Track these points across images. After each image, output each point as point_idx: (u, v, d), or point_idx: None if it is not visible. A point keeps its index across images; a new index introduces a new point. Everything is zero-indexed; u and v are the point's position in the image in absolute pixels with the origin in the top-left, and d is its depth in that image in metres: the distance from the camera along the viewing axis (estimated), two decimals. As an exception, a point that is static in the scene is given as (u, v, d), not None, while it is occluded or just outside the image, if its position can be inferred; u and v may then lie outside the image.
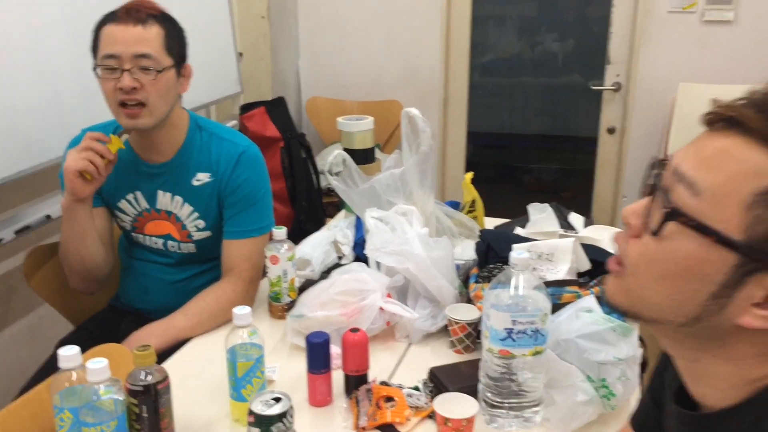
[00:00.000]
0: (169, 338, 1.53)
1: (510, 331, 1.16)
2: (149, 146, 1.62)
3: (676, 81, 3.29)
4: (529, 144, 4.14)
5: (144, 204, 1.67)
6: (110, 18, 1.51)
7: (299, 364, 1.38)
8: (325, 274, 1.71)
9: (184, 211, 1.67)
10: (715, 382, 0.69)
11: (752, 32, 3.21)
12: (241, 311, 1.21)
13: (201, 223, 1.68)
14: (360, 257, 1.76)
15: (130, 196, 1.68)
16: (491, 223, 1.99)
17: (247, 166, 1.64)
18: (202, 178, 1.64)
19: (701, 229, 0.63)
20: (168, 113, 1.57)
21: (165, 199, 1.66)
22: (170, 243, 1.70)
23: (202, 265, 1.74)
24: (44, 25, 1.96)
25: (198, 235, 1.69)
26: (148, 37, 1.50)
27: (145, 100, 1.50)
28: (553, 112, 3.95)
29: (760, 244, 0.61)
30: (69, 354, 1.06)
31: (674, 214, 0.65)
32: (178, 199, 1.66)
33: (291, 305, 1.59)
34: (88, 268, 1.66)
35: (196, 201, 1.66)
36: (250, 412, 0.99)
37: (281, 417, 0.99)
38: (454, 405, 1.16)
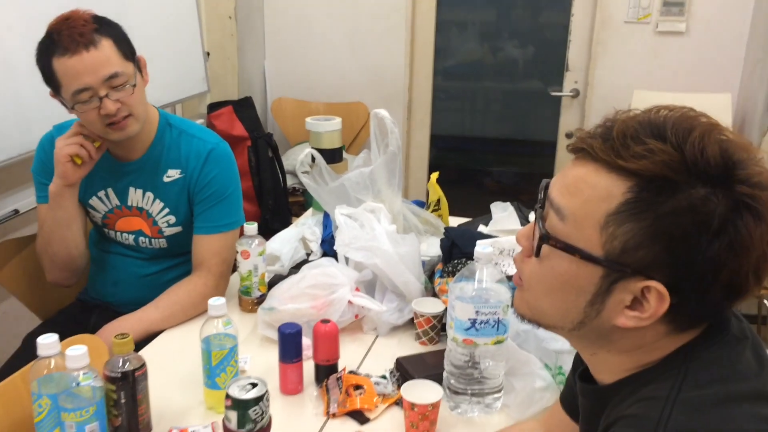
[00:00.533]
0: (140, 330, 1.55)
1: (474, 322, 1.22)
2: (122, 144, 1.63)
3: (631, 88, 3.42)
4: (490, 147, 4.23)
5: (115, 201, 1.70)
6: (56, 50, 1.46)
7: (270, 354, 1.43)
8: (294, 269, 1.76)
9: (155, 207, 1.69)
10: (610, 368, 0.81)
11: (702, 43, 3.36)
12: (216, 302, 1.25)
13: (172, 219, 1.71)
14: (328, 254, 1.81)
15: (101, 193, 1.70)
16: (456, 221, 2.06)
17: (217, 163, 1.67)
18: (172, 174, 1.67)
19: (568, 249, 0.74)
20: (146, 110, 1.61)
21: (136, 196, 1.69)
22: (141, 239, 1.73)
23: (174, 260, 1.77)
24: (3, 22, 1.95)
25: (169, 231, 1.72)
26: (107, 56, 1.48)
27: (129, 112, 1.53)
28: (514, 117, 4.05)
29: (617, 257, 0.71)
30: (48, 342, 1.09)
31: (545, 238, 0.76)
32: (149, 195, 1.68)
33: (261, 299, 1.63)
34: (72, 256, 1.68)
35: (166, 197, 1.69)
36: (228, 397, 1.04)
37: (258, 401, 1.04)
38: (420, 391, 1.22)
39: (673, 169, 0.68)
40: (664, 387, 0.73)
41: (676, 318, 0.74)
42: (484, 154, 4.27)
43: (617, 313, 0.75)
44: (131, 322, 1.55)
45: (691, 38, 3.37)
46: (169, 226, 1.71)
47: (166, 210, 1.69)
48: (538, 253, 0.78)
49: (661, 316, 0.72)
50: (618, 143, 0.71)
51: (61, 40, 1.45)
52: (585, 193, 0.73)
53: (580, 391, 0.90)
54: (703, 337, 0.76)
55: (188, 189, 1.68)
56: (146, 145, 1.66)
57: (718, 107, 3.29)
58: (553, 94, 3.69)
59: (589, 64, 3.56)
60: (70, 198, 1.61)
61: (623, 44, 3.46)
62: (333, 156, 2.41)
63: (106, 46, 1.48)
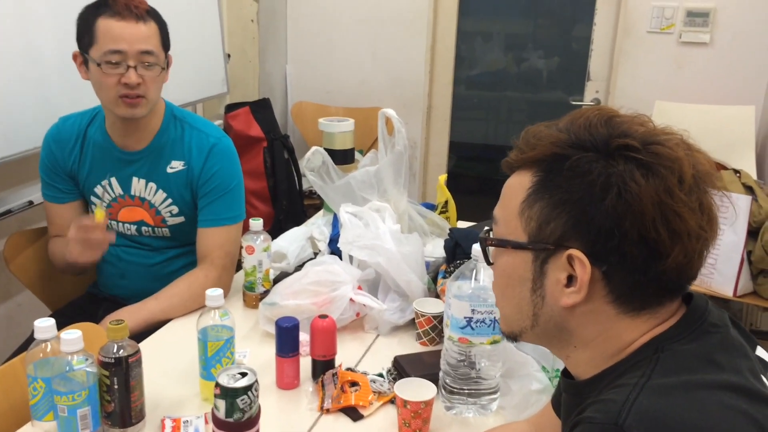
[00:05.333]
0: (140, 320, 1.56)
1: (469, 320, 1.21)
2: (128, 133, 1.67)
3: (652, 99, 3.38)
4: (511, 157, 4.22)
5: (118, 190, 1.72)
6: (106, 11, 1.53)
7: (269, 350, 1.42)
8: (300, 267, 1.76)
9: (158, 197, 1.72)
10: (585, 365, 0.83)
11: (727, 54, 3.31)
12: (213, 293, 1.25)
13: (174, 209, 1.73)
14: (335, 253, 1.81)
15: (104, 182, 1.72)
16: (465, 225, 2.05)
17: (219, 158, 1.70)
18: (176, 165, 1.70)
19: (501, 243, 0.83)
20: (157, 101, 1.64)
21: (139, 186, 1.71)
22: (144, 228, 1.75)
23: (178, 249, 1.79)
24: (30, 14, 2.00)
25: (172, 221, 1.75)
26: (150, 34, 1.56)
27: (145, 93, 1.57)
28: (536, 127, 4.04)
29: (537, 237, 0.79)
30: (44, 325, 1.11)
31: (483, 241, 0.88)
32: (152, 185, 1.71)
33: (265, 295, 1.64)
34: (87, 270, 1.78)
35: (169, 188, 1.71)
36: (217, 385, 1.04)
37: (246, 390, 1.04)
38: (414, 389, 1.21)
39: (560, 146, 0.77)
40: (635, 375, 0.73)
41: (615, 291, 0.76)
42: (504, 163, 4.26)
43: (559, 294, 0.79)
44: (130, 312, 1.57)
45: (715, 49, 3.33)
46: (172, 215, 1.74)
47: (169, 200, 1.72)
48: (488, 260, 0.88)
49: (603, 293, 0.76)
50: (522, 144, 0.81)
51: (116, 4, 1.53)
52: (507, 195, 0.83)
53: (562, 388, 0.91)
54: (676, 327, 0.77)
55: (191, 181, 1.71)
56: (151, 136, 1.69)
57: (741, 119, 3.24)
58: (574, 103, 3.66)
59: (611, 74, 3.53)
60: None
61: (646, 54, 3.43)
62: (345, 157, 2.42)
63: (153, 27, 1.57)
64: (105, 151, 1.66)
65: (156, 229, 1.75)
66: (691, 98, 3.36)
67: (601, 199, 0.73)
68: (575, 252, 0.75)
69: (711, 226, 0.75)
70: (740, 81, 3.32)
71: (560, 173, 0.76)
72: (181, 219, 1.74)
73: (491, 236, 0.86)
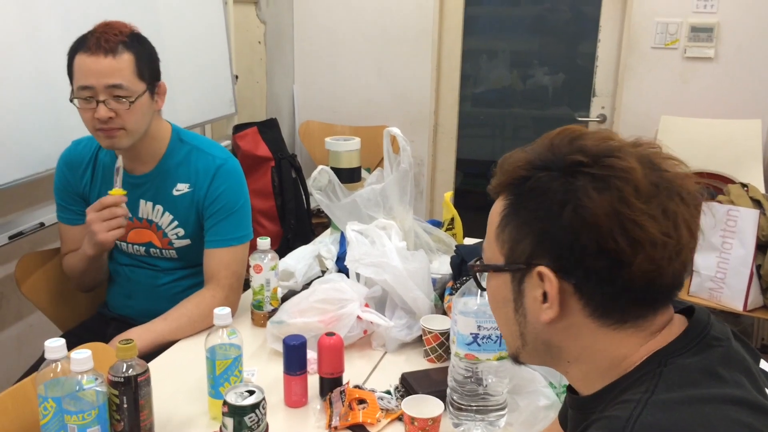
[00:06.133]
0: (148, 341, 1.57)
1: (476, 336, 1.22)
2: (132, 157, 1.69)
3: (658, 114, 3.39)
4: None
5: (127, 213, 1.73)
6: (81, 46, 1.55)
7: (277, 368, 1.43)
8: (307, 285, 1.77)
9: (165, 219, 1.73)
10: (582, 380, 0.85)
11: (732, 68, 3.33)
12: (221, 311, 1.26)
13: (180, 231, 1.74)
14: (342, 271, 1.82)
15: None
16: (471, 242, 2.06)
17: (225, 179, 1.71)
18: (181, 188, 1.71)
19: (485, 268, 0.87)
20: (145, 130, 1.64)
21: (146, 208, 1.73)
22: (152, 250, 1.77)
23: (185, 270, 1.80)
24: (41, 38, 2.03)
25: (178, 243, 1.76)
26: (120, 67, 1.54)
27: (122, 125, 1.57)
28: (541, 143, 4.05)
29: (511, 258, 0.82)
30: (55, 345, 1.12)
31: (471, 269, 0.91)
32: (159, 208, 1.73)
33: (273, 313, 1.65)
34: (101, 280, 1.83)
35: (176, 210, 1.73)
36: (225, 403, 1.05)
37: (254, 408, 1.05)
38: (421, 406, 1.22)
39: (523, 168, 0.80)
40: (639, 391, 0.73)
41: (590, 304, 0.78)
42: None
43: (537, 311, 0.81)
44: (139, 333, 1.58)
45: (719, 64, 3.34)
46: (179, 238, 1.75)
47: (175, 223, 1.73)
48: (480, 286, 0.94)
49: (578, 307, 0.78)
50: (498, 170, 0.84)
51: (90, 40, 1.55)
52: (489, 222, 0.86)
53: (569, 403, 0.91)
54: (678, 341, 0.77)
55: (197, 203, 1.72)
56: (157, 159, 1.71)
57: (748, 133, 3.25)
58: (580, 119, 3.67)
59: (617, 90, 3.54)
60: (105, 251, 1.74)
61: (650, 70, 3.45)
62: (351, 175, 2.44)
63: (125, 60, 1.55)
64: (113, 174, 1.68)
65: (163, 251, 1.77)
66: (696, 113, 3.37)
67: (558, 215, 0.75)
68: (542, 269, 0.78)
69: (678, 231, 0.74)
70: (746, 95, 3.32)
71: (523, 194, 0.80)
72: (186, 242, 1.75)
73: (477, 263, 0.90)
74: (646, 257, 0.73)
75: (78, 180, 1.76)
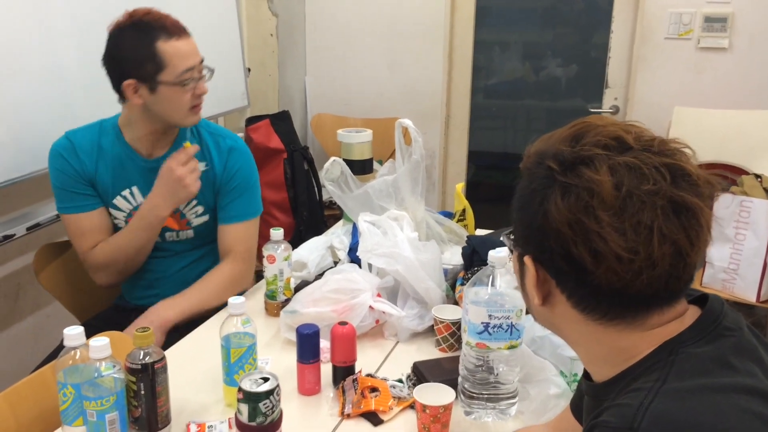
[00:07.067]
0: (179, 311, 1.66)
1: (487, 325, 1.23)
2: (153, 141, 1.73)
3: (671, 105, 3.37)
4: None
5: (140, 198, 1.76)
6: (161, 34, 1.58)
7: (291, 357, 1.45)
8: (320, 276, 1.79)
9: None
10: (590, 364, 0.87)
11: (746, 59, 3.30)
12: (236, 300, 1.28)
13: (200, 209, 1.80)
14: (354, 261, 1.84)
15: (125, 192, 1.76)
16: (483, 233, 2.06)
17: (239, 157, 1.80)
18: (198, 167, 1.75)
19: (508, 239, 0.89)
20: None
21: None
22: (167, 234, 1.80)
23: (200, 250, 1.86)
24: (53, 33, 2.06)
25: (197, 221, 1.81)
26: (196, 43, 1.67)
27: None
28: (555, 135, 4.04)
29: (515, 239, 0.86)
30: (73, 333, 1.14)
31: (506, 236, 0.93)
32: None
33: (286, 303, 1.66)
34: (141, 261, 1.82)
35: None
36: (240, 390, 1.07)
37: (269, 394, 1.06)
38: (433, 394, 1.23)
39: (531, 157, 0.82)
40: (650, 379, 0.74)
41: (572, 298, 0.80)
42: (523, 171, 4.27)
43: (531, 291, 0.85)
44: (170, 304, 1.67)
45: (734, 54, 3.31)
46: (197, 216, 1.81)
47: (194, 201, 1.78)
48: (510, 250, 0.94)
49: (563, 298, 0.81)
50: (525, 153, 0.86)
51: (165, 26, 1.60)
52: None
53: (584, 390, 0.92)
54: (690, 330, 0.77)
55: (213, 181, 1.78)
56: (170, 142, 1.76)
57: (762, 123, 3.22)
58: (593, 110, 3.66)
59: (629, 81, 3.53)
60: None
61: (664, 61, 3.42)
62: (363, 167, 2.46)
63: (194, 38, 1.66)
64: (126, 162, 1.72)
65: (180, 232, 1.81)
66: (710, 104, 3.34)
67: (534, 214, 0.78)
68: (526, 258, 0.83)
69: (649, 247, 0.72)
70: (760, 85, 3.30)
71: (524, 185, 0.83)
72: (205, 218, 1.81)
73: (508, 233, 0.92)
74: (608, 269, 0.73)
75: (84, 165, 1.73)
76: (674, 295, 0.78)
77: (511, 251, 0.91)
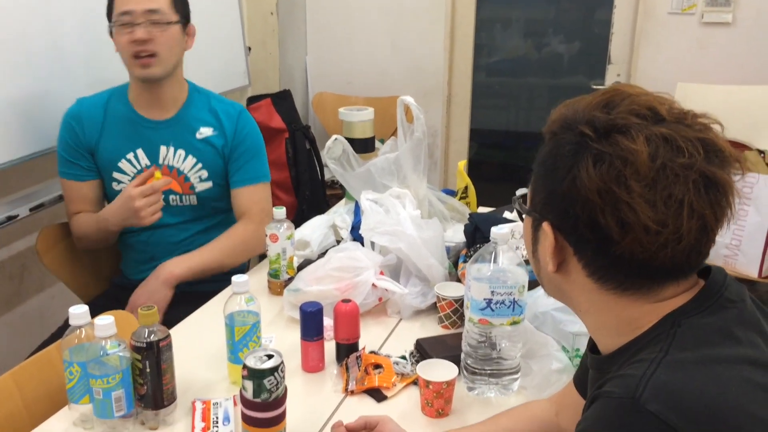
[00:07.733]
0: (185, 265, 1.70)
1: (489, 302, 1.23)
2: (154, 101, 1.75)
3: (674, 81, 3.34)
4: (532, 143, 4.21)
5: (145, 161, 1.78)
6: None
7: (294, 335, 1.46)
8: (323, 254, 1.79)
9: (187, 163, 1.79)
10: (596, 333, 0.87)
11: (750, 34, 3.27)
12: (239, 279, 1.29)
13: (204, 174, 1.81)
14: (357, 240, 1.84)
15: (130, 155, 1.78)
16: (485, 211, 2.07)
17: (247, 122, 1.84)
18: (205, 132, 1.80)
19: (519, 206, 0.90)
20: (175, 66, 1.72)
21: (168, 153, 1.79)
22: (172, 197, 1.82)
23: (203, 222, 1.87)
24: (58, 13, 2.04)
25: (200, 186, 1.82)
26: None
27: (156, 51, 1.65)
28: (557, 112, 4.02)
29: (532, 206, 0.86)
30: (78, 312, 1.15)
31: (516, 201, 0.93)
32: (181, 152, 1.79)
33: (289, 282, 1.67)
34: (109, 245, 1.89)
35: (199, 154, 1.79)
36: (244, 366, 1.07)
37: (273, 371, 1.07)
38: (436, 370, 1.24)
39: (557, 122, 0.81)
40: (653, 350, 0.74)
41: (588, 267, 0.80)
42: (526, 149, 4.25)
43: (546, 259, 0.84)
44: (182, 258, 1.71)
45: (737, 29, 3.28)
46: (201, 181, 1.82)
47: (199, 165, 1.80)
48: (520, 217, 0.98)
49: (579, 267, 0.81)
50: (550, 118, 0.85)
51: None
52: None
53: (588, 363, 0.92)
54: (693, 302, 0.77)
55: (224, 145, 1.80)
56: (178, 105, 1.78)
57: (765, 100, 3.20)
58: (595, 87, 3.64)
59: (632, 57, 3.50)
60: None
61: (667, 36, 3.40)
62: (365, 145, 2.45)
63: None
64: (130, 123, 1.74)
65: (184, 197, 1.82)
66: (714, 79, 3.32)
67: (561, 180, 0.77)
68: (545, 224, 0.82)
69: (679, 220, 0.72)
70: (764, 60, 3.27)
71: (548, 150, 0.82)
72: (209, 184, 1.82)
73: (520, 198, 0.92)
74: (635, 240, 0.73)
75: (88, 133, 1.79)
76: (692, 269, 0.79)
77: (521, 217, 0.91)
